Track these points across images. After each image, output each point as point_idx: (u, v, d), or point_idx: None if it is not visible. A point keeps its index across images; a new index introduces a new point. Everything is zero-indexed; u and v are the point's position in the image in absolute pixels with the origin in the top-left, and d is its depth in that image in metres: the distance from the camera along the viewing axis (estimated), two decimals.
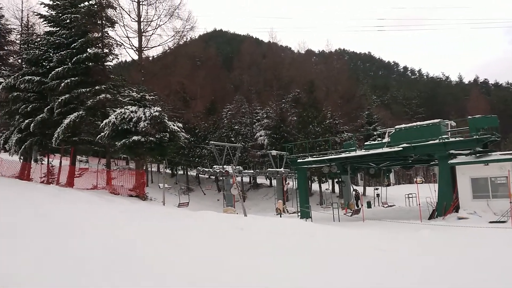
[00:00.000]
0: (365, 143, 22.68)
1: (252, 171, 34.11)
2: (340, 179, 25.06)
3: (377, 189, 31.53)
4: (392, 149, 18.27)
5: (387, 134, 20.75)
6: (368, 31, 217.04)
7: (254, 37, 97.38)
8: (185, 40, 23.60)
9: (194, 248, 6.94)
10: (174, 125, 17.92)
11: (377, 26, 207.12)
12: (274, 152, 30.12)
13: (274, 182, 37.04)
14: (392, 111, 78.96)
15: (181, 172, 49.70)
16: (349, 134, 34.16)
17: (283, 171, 28.50)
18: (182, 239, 7.71)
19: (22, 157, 21.58)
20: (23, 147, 20.12)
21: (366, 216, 18.32)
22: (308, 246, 7.97)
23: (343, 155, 21.03)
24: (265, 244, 7.80)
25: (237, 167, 26.92)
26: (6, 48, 24.78)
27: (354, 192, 24.95)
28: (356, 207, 22.64)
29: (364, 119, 42.65)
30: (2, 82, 21.38)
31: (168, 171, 43.53)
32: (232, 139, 40.73)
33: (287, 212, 25.47)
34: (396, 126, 20.33)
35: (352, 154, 20.28)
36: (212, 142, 27.66)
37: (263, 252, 7.01)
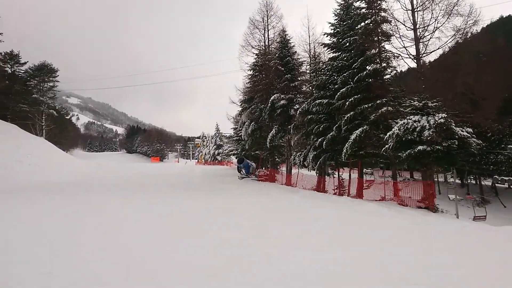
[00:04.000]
0: None
1: None
2: None
3: None
4: None
5: None
6: None
7: None
8: (467, 37, 21.20)
9: None
10: (462, 131, 16.29)
11: None
12: None
13: None
14: None
15: (472, 181, 44.67)
16: None
17: None
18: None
19: (317, 172, 24.44)
20: (318, 163, 22.86)
21: None
22: None
23: None
24: None
25: None
26: (299, 78, 29.02)
27: None
28: None
29: None
30: (299, 108, 25.15)
31: (457, 181, 39.88)
32: None
33: None
34: None
35: None
36: (511, 146, 23.66)
37: None
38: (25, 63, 57.23)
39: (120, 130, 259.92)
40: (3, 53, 53.49)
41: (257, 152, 35.13)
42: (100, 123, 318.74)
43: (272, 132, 28.24)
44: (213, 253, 6.65)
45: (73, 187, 21.37)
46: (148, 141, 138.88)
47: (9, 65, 55.26)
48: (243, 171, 30.79)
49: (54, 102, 66.05)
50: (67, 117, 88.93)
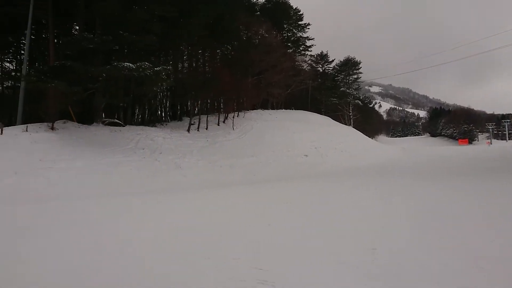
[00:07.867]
0: None
1: None
2: None
3: None
4: None
5: None
6: None
7: None
8: None
9: None
10: None
11: None
12: None
13: None
14: None
15: None
16: None
17: None
18: None
19: None
20: None
21: None
22: None
23: None
24: None
25: None
26: None
27: None
28: None
29: None
30: None
31: None
32: None
33: None
34: None
35: None
36: None
37: None
38: (332, 61, 64.78)
39: (422, 113, 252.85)
40: (315, 55, 62.15)
41: None
42: (401, 108, 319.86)
43: None
44: None
45: (403, 170, 22.50)
46: (454, 123, 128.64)
47: (320, 65, 63.83)
48: None
49: (359, 92, 71.72)
50: (370, 106, 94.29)
